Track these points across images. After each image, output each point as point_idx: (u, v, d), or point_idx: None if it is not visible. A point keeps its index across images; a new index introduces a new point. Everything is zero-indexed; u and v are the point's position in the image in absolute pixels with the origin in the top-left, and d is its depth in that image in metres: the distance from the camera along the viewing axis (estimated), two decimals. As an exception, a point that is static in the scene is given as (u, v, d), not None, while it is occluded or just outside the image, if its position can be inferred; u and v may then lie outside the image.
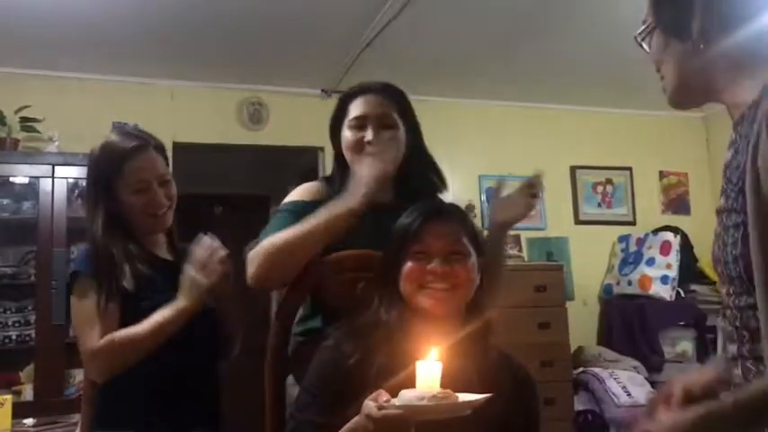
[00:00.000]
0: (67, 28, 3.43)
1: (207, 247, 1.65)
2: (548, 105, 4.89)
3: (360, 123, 1.72)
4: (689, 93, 1.18)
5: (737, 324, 1.07)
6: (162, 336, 1.59)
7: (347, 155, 1.73)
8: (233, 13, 3.36)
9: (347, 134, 1.73)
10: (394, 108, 1.77)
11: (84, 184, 3.55)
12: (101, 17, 3.34)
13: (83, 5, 3.21)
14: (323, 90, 4.41)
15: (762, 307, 0.99)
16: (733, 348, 1.09)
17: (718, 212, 1.09)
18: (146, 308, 1.63)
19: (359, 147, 1.70)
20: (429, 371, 1.07)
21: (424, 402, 1.05)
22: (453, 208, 1.47)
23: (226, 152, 4.65)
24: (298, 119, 4.27)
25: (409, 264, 1.34)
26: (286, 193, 1.79)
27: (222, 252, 1.65)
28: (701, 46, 1.10)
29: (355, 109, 1.74)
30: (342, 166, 1.77)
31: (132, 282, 1.65)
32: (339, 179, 1.73)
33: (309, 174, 1.89)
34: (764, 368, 1.03)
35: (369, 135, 1.69)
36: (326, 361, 1.33)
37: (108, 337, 1.58)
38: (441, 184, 1.89)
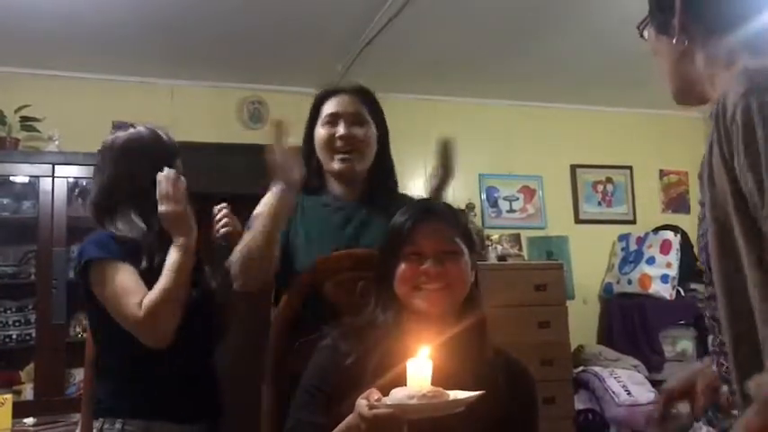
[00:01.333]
0: (68, 27, 3.43)
1: (165, 177, 1.69)
2: (548, 104, 4.89)
3: (332, 120, 1.79)
4: (684, 89, 1.19)
5: (708, 314, 1.10)
6: (184, 277, 1.63)
7: (320, 152, 1.79)
8: (233, 12, 3.36)
9: (320, 131, 1.80)
10: (366, 108, 1.83)
11: (84, 183, 3.60)
12: (101, 17, 3.34)
13: (83, 5, 3.21)
14: (327, 85, 4.40)
15: (719, 295, 1.02)
16: (710, 339, 1.12)
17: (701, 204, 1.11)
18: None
19: (331, 142, 1.76)
20: (419, 369, 1.07)
21: (414, 401, 1.05)
22: (445, 207, 1.47)
23: (226, 151, 4.65)
24: (298, 118, 4.25)
25: (403, 265, 1.35)
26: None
27: (181, 179, 1.72)
28: (685, 43, 1.11)
29: (328, 108, 1.81)
30: (313, 161, 1.81)
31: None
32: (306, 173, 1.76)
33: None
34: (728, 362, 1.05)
35: (341, 130, 1.76)
36: (324, 361, 1.34)
37: (144, 302, 1.58)
38: (395, 189, 1.94)
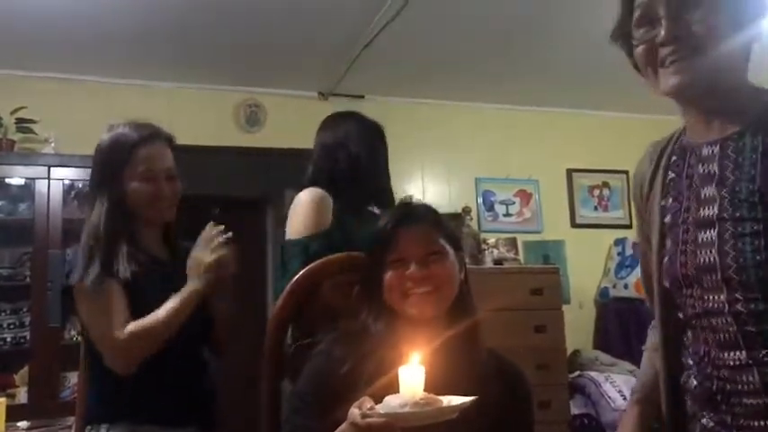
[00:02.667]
0: (65, 30, 3.43)
1: (211, 229, 1.71)
2: (544, 108, 4.90)
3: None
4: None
5: (750, 329, 1.05)
6: (177, 321, 1.61)
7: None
8: (230, 15, 3.36)
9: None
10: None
11: (80, 185, 3.59)
12: (98, 19, 3.33)
13: (80, 7, 3.20)
14: (320, 93, 4.41)
15: None
16: (737, 355, 1.07)
17: (720, 220, 1.08)
18: (137, 302, 1.63)
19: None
20: (412, 376, 1.06)
21: (407, 409, 1.05)
22: (423, 209, 1.45)
23: (223, 154, 4.65)
24: (295, 121, 4.26)
25: (388, 273, 1.33)
26: (282, 196, 1.80)
27: (225, 234, 1.71)
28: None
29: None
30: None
31: (128, 270, 1.65)
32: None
33: (318, 177, 1.88)
34: None
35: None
36: (319, 367, 1.33)
37: (128, 329, 1.58)
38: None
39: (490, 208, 4.76)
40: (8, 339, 3.43)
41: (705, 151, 1.14)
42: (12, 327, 3.45)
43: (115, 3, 3.20)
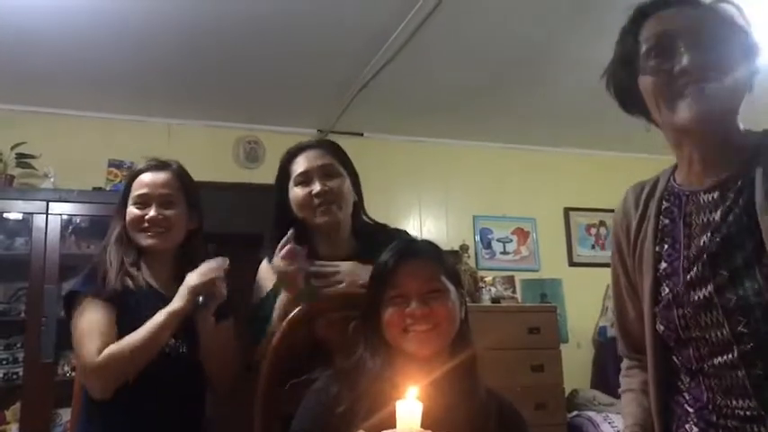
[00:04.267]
0: (64, 65, 3.47)
1: (215, 260, 1.70)
2: (541, 147, 4.94)
3: (306, 178, 1.76)
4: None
5: (758, 372, 1.04)
6: (156, 342, 1.58)
7: (299, 212, 1.76)
8: (230, 52, 3.41)
9: (296, 191, 1.77)
10: (335, 159, 1.81)
11: (78, 220, 3.61)
12: (98, 55, 3.38)
13: (80, 43, 3.24)
14: (319, 130, 4.44)
15: None
16: (747, 404, 1.05)
17: (719, 283, 1.08)
18: (121, 324, 1.62)
19: (309, 201, 1.73)
20: (409, 411, 1.05)
21: None
22: (425, 245, 1.44)
23: (222, 190, 4.66)
24: (293, 158, 4.28)
25: (389, 310, 1.32)
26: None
27: (223, 266, 1.69)
28: None
29: (297, 167, 1.78)
30: (287, 226, 1.73)
31: (119, 285, 1.66)
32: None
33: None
34: None
35: (316, 187, 1.73)
36: (315, 406, 1.31)
37: (105, 351, 1.55)
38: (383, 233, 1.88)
39: (487, 246, 4.77)
40: (1, 375, 3.39)
41: (704, 199, 1.15)
42: (5, 362, 3.41)
43: (115, 40, 3.24)
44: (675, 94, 1.11)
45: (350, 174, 1.82)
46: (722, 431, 1.08)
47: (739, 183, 1.10)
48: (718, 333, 1.07)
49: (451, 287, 1.36)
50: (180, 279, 1.71)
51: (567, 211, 4.97)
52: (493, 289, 4.38)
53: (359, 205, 1.85)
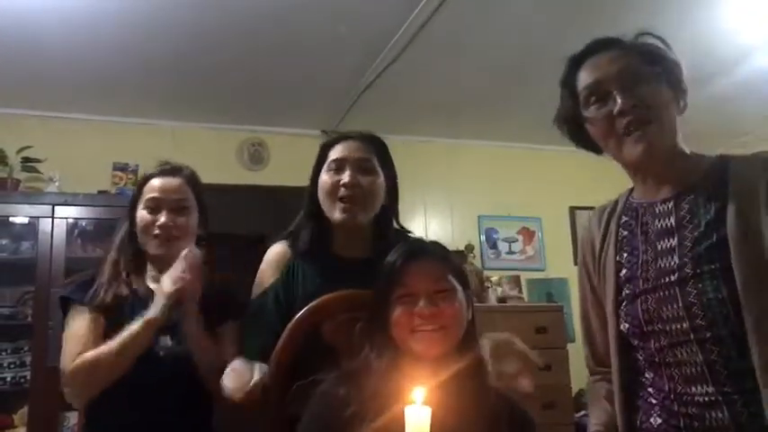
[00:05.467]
0: (69, 70, 3.48)
1: (182, 256, 1.62)
2: (546, 147, 4.92)
3: (338, 166, 1.67)
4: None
5: (715, 359, 1.14)
6: (129, 350, 1.53)
7: (322, 200, 1.68)
8: (234, 55, 3.41)
9: (324, 177, 1.68)
10: (375, 156, 1.71)
11: (84, 224, 3.62)
12: (103, 59, 3.38)
13: (85, 48, 3.25)
14: (323, 131, 4.44)
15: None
16: (705, 389, 1.15)
17: (681, 267, 1.20)
18: (109, 329, 1.60)
19: (334, 190, 1.64)
20: (418, 417, 1.04)
21: None
22: (433, 245, 1.44)
23: (226, 192, 4.67)
24: (298, 159, 4.25)
25: (397, 309, 1.32)
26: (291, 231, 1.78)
27: (196, 262, 1.61)
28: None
29: (334, 153, 1.70)
30: (312, 217, 1.71)
31: (109, 296, 1.65)
32: (307, 234, 1.70)
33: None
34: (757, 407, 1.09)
35: (345, 177, 1.64)
36: (322, 409, 1.30)
37: (77, 359, 1.54)
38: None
39: (493, 246, 4.76)
40: (8, 379, 3.40)
41: (659, 209, 1.29)
42: (12, 366, 3.43)
43: (119, 44, 3.24)
44: (620, 135, 1.26)
45: (387, 174, 1.73)
46: (683, 418, 1.17)
47: (693, 197, 1.24)
48: (679, 325, 1.18)
49: (459, 287, 1.36)
50: None
51: (572, 210, 4.96)
52: (499, 289, 4.37)
53: (389, 208, 1.74)
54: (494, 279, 4.44)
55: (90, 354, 1.54)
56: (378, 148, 1.74)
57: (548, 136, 4.82)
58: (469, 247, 4.55)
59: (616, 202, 1.44)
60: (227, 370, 1.44)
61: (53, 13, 2.94)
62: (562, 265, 4.81)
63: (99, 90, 3.77)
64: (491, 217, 4.80)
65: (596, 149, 1.38)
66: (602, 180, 4.94)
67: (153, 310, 1.56)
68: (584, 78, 1.32)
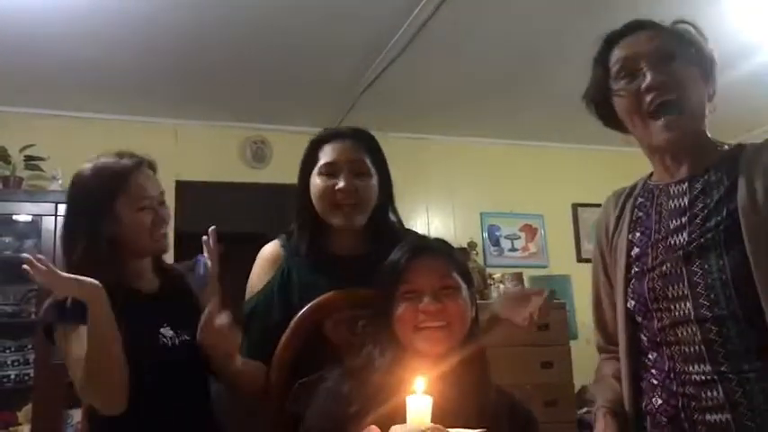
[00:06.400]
0: (72, 68, 3.48)
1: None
2: (548, 143, 4.93)
3: (332, 170, 1.63)
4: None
5: (713, 338, 1.17)
6: (100, 342, 1.42)
7: (317, 203, 1.65)
8: (235, 52, 3.41)
9: (317, 181, 1.64)
10: (366, 155, 1.68)
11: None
12: (105, 57, 3.39)
13: (87, 46, 3.26)
14: (325, 129, 4.44)
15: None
16: (702, 368, 1.17)
17: (689, 244, 1.23)
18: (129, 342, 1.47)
19: (331, 196, 1.61)
20: (419, 405, 1.05)
21: None
22: (438, 243, 1.44)
23: (229, 190, 4.67)
24: (300, 157, 4.29)
25: (401, 306, 1.32)
26: (287, 232, 1.77)
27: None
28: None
29: (326, 155, 1.67)
30: (305, 217, 1.69)
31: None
32: (301, 235, 1.68)
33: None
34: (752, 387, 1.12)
35: (341, 183, 1.61)
36: (327, 406, 1.31)
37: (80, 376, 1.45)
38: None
39: (496, 243, 4.76)
40: (12, 376, 3.41)
41: (674, 189, 1.32)
42: (16, 364, 3.44)
43: (121, 42, 3.24)
44: (646, 113, 1.28)
45: (380, 172, 1.70)
46: (681, 398, 1.20)
47: (707, 178, 1.27)
48: (682, 304, 1.21)
49: (463, 285, 1.36)
50: (159, 268, 1.69)
51: (574, 206, 4.96)
52: (501, 286, 4.36)
53: (386, 204, 1.72)
54: (496, 276, 4.43)
55: (83, 363, 1.44)
56: (369, 145, 1.72)
57: (550, 133, 4.87)
58: (472, 245, 4.55)
59: (634, 186, 1.47)
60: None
61: (56, 11, 2.94)
62: (565, 262, 4.81)
63: (101, 88, 3.78)
64: (493, 214, 4.80)
65: (622, 128, 1.41)
66: (605, 176, 4.93)
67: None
68: (617, 54, 1.34)
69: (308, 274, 1.64)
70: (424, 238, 1.55)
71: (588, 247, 4.91)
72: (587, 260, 4.85)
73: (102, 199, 1.60)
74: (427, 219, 4.64)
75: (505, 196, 4.83)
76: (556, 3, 3.06)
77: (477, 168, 4.80)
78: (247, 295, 1.71)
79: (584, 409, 4.05)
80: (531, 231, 4.85)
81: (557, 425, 3.65)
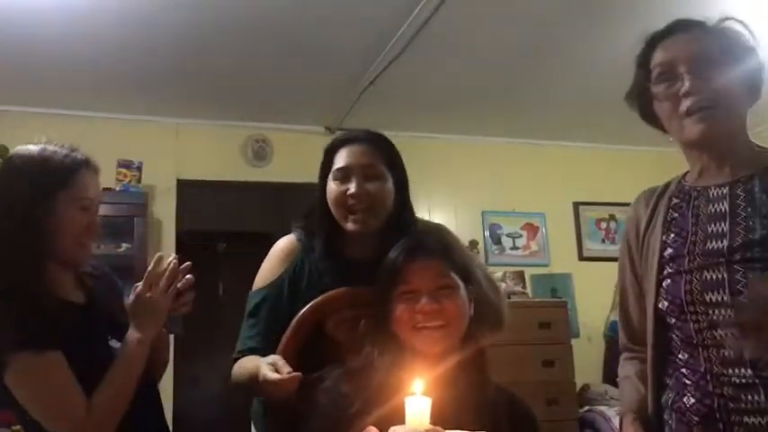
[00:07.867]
0: (73, 67, 3.49)
1: (159, 264, 1.46)
2: (550, 142, 4.93)
3: (344, 174, 1.64)
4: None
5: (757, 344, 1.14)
6: (134, 380, 1.40)
7: (332, 208, 1.66)
8: (237, 51, 3.41)
9: (332, 186, 1.65)
10: (381, 159, 1.68)
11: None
12: (106, 56, 3.39)
13: (89, 45, 3.26)
14: (326, 127, 4.45)
15: None
16: (743, 372, 1.15)
17: (730, 250, 1.21)
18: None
19: (343, 200, 1.62)
20: (417, 407, 1.05)
21: None
22: (435, 242, 1.44)
23: (230, 189, 4.68)
24: (302, 156, 4.28)
25: (399, 306, 1.32)
26: (290, 230, 1.78)
27: (177, 265, 1.46)
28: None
29: (339, 160, 1.67)
30: (323, 222, 1.69)
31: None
32: (318, 236, 1.69)
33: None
34: None
35: (352, 187, 1.61)
36: (328, 406, 1.31)
37: (95, 402, 1.35)
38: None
39: (497, 241, 4.76)
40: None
41: (713, 193, 1.30)
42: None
43: (122, 41, 3.25)
44: (683, 113, 1.27)
45: (395, 174, 1.69)
46: (717, 399, 1.19)
47: (750, 186, 1.25)
48: (722, 310, 1.19)
49: (461, 284, 1.36)
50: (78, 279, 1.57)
51: (576, 205, 4.95)
52: (503, 285, 4.37)
53: (400, 206, 1.71)
54: (498, 275, 4.44)
55: (105, 392, 1.37)
56: (384, 149, 1.70)
57: (552, 132, 4.86)
58: (473, 243, 4.54)
59: (666, 186, 1.46)
60: (263, 371, 1.37)
61: (56, 11, 2.94)
62: (566, 261, 4.81)
63: (102, 87, 3.78)
64: (495, 213, 4.79)
65: (663, 128, 1.39)
66: (607, 175, 4.97)
67: (144, 332, 1.43)
68: (658, 57, 1.33)
69: (321, 277, 1.65)
70: (420, 237, 1.53)
71: (590, 246, 4.92)
72: (589, 258, 4.86)
73: (44, 186, 1.45)
74: (429, 217, 4.59)
75: (507, 195, 4.82)
76: (556, 3, 3.06)
77: (478, 167, 4.80)
78: (255, 286, 1.72)
79: (586, 408, 4.05)
80: (532, 230, 4.85)
81: (558, 423, 3.65)
